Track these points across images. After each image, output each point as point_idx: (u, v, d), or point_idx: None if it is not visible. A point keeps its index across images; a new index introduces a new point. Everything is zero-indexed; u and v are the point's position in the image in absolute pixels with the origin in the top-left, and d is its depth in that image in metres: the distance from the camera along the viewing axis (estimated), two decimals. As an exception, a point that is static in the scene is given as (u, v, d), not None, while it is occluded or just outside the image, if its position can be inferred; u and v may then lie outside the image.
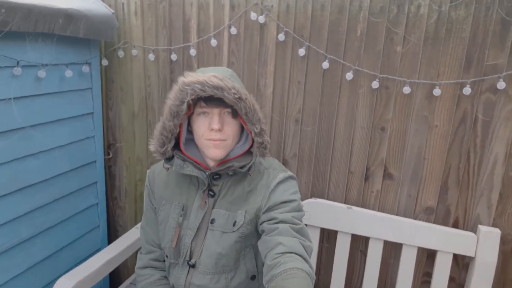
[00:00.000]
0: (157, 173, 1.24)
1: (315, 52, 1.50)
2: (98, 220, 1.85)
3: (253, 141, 1.11)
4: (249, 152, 1.14)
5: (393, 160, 1.51)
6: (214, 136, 1.06)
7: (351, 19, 1.44)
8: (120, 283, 1.87)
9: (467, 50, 1.34)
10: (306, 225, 1.57)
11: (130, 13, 1.74)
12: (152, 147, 1.11)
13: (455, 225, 1.49)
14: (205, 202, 1.14)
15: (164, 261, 1.25)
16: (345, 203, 1.59)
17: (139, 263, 1.27)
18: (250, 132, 1.09)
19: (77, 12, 1.43)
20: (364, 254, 1.62)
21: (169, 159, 1.13)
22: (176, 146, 1.13)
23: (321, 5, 1.46)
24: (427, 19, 1.36)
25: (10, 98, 1.30)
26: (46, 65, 1.41)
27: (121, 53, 1.76)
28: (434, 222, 1.50)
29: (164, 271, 1.26)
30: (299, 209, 1.12)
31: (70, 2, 1.41)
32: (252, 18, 1.54)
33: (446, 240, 1.43)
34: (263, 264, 1.02)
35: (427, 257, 1.56)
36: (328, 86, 1.52)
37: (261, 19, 1.53)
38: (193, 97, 1.01)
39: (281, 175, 1.14)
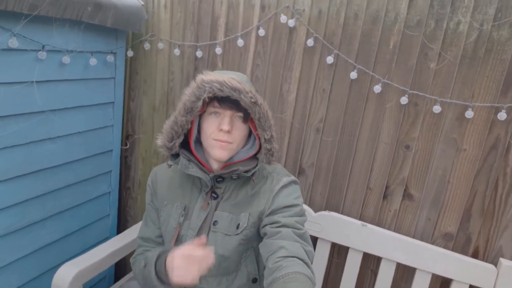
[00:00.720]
0: (159, 174, 1.24)
1: (343, 61, 1.45)
2: (109, 209, 1.85)
3: (260, 147, 1.11)
4: (254, 157, 1.14)
5: (415, 180, 1.45)
6: (221, 137, 1.06)
7: (385, 31, 1.38)
8: (125, 274, 1.87)
9: (507, 73, 1.26)
10: (317, 238, 1.53)
11: (160, 6, 1.72)
12: (159, 141, 1.11)
13: (475, 255, 1.41)
14: (208, 203, 1.14)
15: None
16: (360, 219, 1.53)
17: (132, 260, 1.24)
18: (259, 138, 1.09)
19: (107, 1, 1.42)
20: (375, 273, 1.56)
21: (174, 156, 1.13)
22: (183, 145, 1.12)
23: (354, 13, 1.41)
24: (466, 37, 1.29)
25: (32, 82, 1.30)
26: (71, 51, 1.41)
27: (147, 46, 1.74)
28: (452, 250, 1.43)
29: None
30: (302, 214, 1.12)
31: (101, -10, 1.41)
32: (282, 21, 1.50)
33: (464, 270, 1.36)
34: (264, 267, 1.02)
35: (440, 284, 1.49)
36: (354, 97, 1.47)
37: (291, 22, 1.49)
38: (210, 95, 1.01)
39: (284, 179, 1.14)
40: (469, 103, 1.31)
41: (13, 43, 1.20)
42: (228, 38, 1.62)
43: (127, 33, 1.70)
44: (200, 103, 1.02)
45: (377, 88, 1.41)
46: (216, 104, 1.05)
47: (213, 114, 1.08)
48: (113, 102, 1.71)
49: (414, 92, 1.37)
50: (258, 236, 1.14)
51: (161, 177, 1.23)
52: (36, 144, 1.38)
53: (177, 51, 1.71)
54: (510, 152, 1.31)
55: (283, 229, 1.03)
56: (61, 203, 1.55)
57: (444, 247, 1.44)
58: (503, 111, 1.27)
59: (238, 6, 1.58)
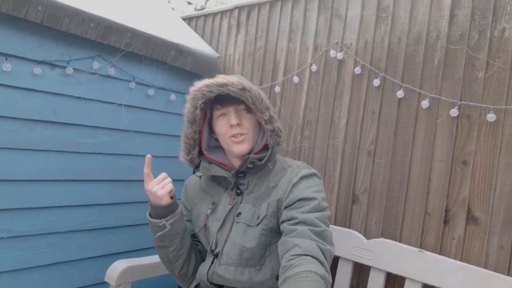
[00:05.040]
0: (191, 182, 1.36)
1: (390, 82, 1.49)
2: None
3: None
4: (267, 146, 1.18)
5: (478, 200, 1.29)
6: (235, 131, 1.12)
7: (428, 49, 1.42)
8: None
9: None
10: (370, 267, 1.40)
11: (235, 61, 2.04)
12: (180, 157, 1.23)
13: None
14: (234, 198, 1.19)
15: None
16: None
17: None
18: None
19: (187, 48, 1.77)
20: (444, 319, 1.31)
21: (198, 167, 1.23)
22: (201, 154, 1.22)
23: (397, 38, 1.50)
24: (513, 42, 1.25)
25: (121, 104, 1.64)
26: (156, 86, 1.75)
27: (221, 92, 2.04)
28: (536, 284, 1.16)
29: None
30: (322, 209, 1.07)
31: (182, 39, 1.78)
32: (332, 56, 1.65)
33: (552, 307, 1.08)
34: None
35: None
36: (403, 116, 1.46)
37: (340, 55, 1.63)
38: (204, 100, 1.11)
39: (305, 171, 1.14)
40: (528, 106, 1.21)
41: (111, 71, 1.57)
42: (286, 77, 1.82)
43: (203, 78, 2.03)
44: (198, 112, 1.12)
45: (425, 104, 1.39)
46: (218, 106, 1.15)
47: (220, 117, 1.16)
48: (187, 137, 1.97)
49: (464, 102, 1.32)
50: (279, 230, 1.13)
51: (192, 183, 1.35)
52: (118, 156, 1.66)
53: (244, 94, 1.95)
54: None
55: (299, 227, 1.02)
56: (132, 217, 1.75)
57: (525, 281, 1.18)
58: None
59: (295, 50, 1.80)
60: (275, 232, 1.14)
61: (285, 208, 1.10)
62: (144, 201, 1.79)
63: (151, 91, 1.73)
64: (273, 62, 1.88)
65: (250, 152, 1.18)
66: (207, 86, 1.09)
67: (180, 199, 1.36)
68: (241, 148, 1.15)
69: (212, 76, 1.96)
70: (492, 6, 1.29)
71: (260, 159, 1.15)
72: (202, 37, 2.19)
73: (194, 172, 1.30)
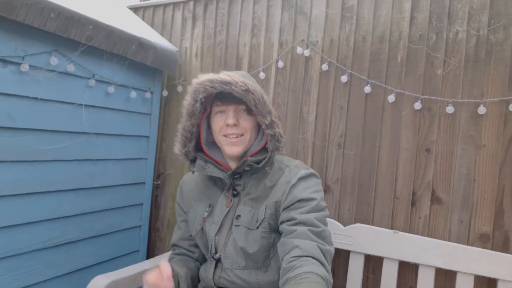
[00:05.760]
0: (186, 179, 1.32)
1: (357, 79, 1.60)
2: (139, 244, 1.88)
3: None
4: (265, 148, 1.16)
5: (441, 183, 1.46)
6: (230, 131, 1.10)
7: (392, 48, 1.55)
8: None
9: (510, 69, 1.37)
10: (349, 251, 1.50)
11: (192, 55, 1.97)
12: (175, 149, 1.18)
13: (517, 254, 1.35)
14: (230, 200, 1.16)
15: (187, 255, 1.27)
16: (391, 229, 1.52)
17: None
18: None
19: (148, 42, 1.66)
20: (415, 290, 1.49)
21: (193, 161, 1.19)
22: (199, 149, 1.19)
23: (362, 37, 1.60)
24: (466, 43, 1.43)
25: (82, 104, 1.48)
26: (116, 84, 1.61)
27: (180, 88, 1.96)
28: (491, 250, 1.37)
29: (190, 257, 1.27)
30: (321, 209, 1.08)
31: (142, 33, 1.66)
32: (298, 52, 1.70)
33: (507, 268, 1.29)
34: None
35: (487, 286, 1.40)
36: (371, 110, 1.58)
37: (307, 52, 1.68)
38: (205, 94, 1.07)
39: (303, 172, 1.13)
40: (479, 100, 1.40)
41: (70, 68, 1.41)
42: (251, 73, 1.82)
43: (163, 74, 1.93)
44: (198, 105, 1.08)
45: (391, 98, 1.52)
46: (218, 103, 1.11)
47: (218, 113, 1.13)
48: (148, 137, 1.86)
49: (426, 97, 1.47)
50: (279, 231, 1.13)
51: (188, 182, 1.30)
52: (79, 163, 1.51)
53: (205, 90, 1.90)
54: (530, 142, 1.35)
55: (298, 228, 1.02)
56: (96, 227, 1.61)
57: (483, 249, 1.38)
58: (514, 102, 1.35)
59: (259, 46, 1.81)
60: (276, 233, 1.13)
61: (283, 209, 1.09)
62: (107, 208, 1.66)
63: (111, 89, 1.59)
64: (236, 57, 1.86)
65: (244, 154, 1.15)
66: (211, 81, 1.05)
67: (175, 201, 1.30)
68: (234, 149, 1.12)
69: (171, 70, 1.88)
70: (447, 11, 1.46)
71: (258, 162, 1.12)
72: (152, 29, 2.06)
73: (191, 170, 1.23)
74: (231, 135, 1.12)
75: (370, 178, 1.58)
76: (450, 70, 1.45)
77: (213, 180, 1.23)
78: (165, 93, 1.97)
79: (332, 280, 0.96)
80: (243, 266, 1.12)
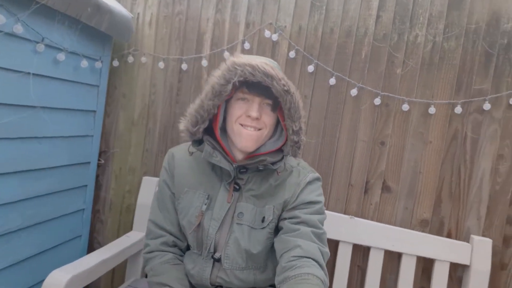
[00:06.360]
0: (177, 158, 1.17)
1: (323, 70, 1.64)
2: (82, 228, 1.72)
3: (286, 139, 1.07)
4: (279, 150, 1.10)
5: (391, 173, 1.61)
6: (249, 123, 1.03)
7: (357, 43, 1.61)
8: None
9: (458, 75, 1.54)
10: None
11: (145, 23, 1.80)
12: (182, 125, 1.05)
13: (449, 236, 1.57)
14: (232, 195, 1.10)
15: (174, 246, 1.19)
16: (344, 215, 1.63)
17: (146, 248, 1.18)
18: (286, 130, 1.05)
19: (105, 5, 1.47)
20: (362, 269, 1.64)
21: (196, 142, 1.08)
22: (207, 131, 1.07)
23: (330, 29, 1.63)
24: (423, 47, 1.56)
25: (29, 73, 1.26)
26: (66, 50, 1.40)
27: (130, 59, 1.78)
28: (429, 234, 1.58)
29: (175, 254, 1.18)
30: (323, 212, 1.11)
31: (100, -5, 1.46)
32: (266, 36, 1.67)
33: (443, 250, 1.50)
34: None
35: (422, 271, 1.61)
36: (333, 102, 1.64)
37: (274, 37, 1.66)
38: (241, 79, 0.97)
39: (311, 175, 1.13)
40: (431, 100, 1.55)
41: (18, 28, 1.18)
42: (214, 51, 1.74)
43: (112, 42, 1.73)
44: (229, 87, 0.97)
45: (354, 92, 1.60)
46: (245, 90, 1.02)
47: (241, 100, 1.03)
48: (95, 111, 1.68)
49: (385, 93, 1.59)
50: (278, 230, 1.12)
51: (180, 161, 1.16)
52: (24, 141, 1.30)
53: (161, 64, 1.77)
54: (467, 141, 1.55)
55: (302, 227, 1.01)
56: (39, 213, 1.43)
57: (422, 232, 1.58)
58: (459, 106, 1.53)
59: (224, 23, 1.73)
60: (276, 233, 1.12)
61: (288, 210, 1.09)
62: (53, 191, 1.48)
63: (61, 56, 1.38)
64: (198, 32, 1.76)
65: (255, 151, 1.08)
66: (253, 68, 0.95)
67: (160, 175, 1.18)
68: (249, 144, 1.04)
69: (125, 40, 1.70)
70: (410, 14, 1.57)
71: (273, 163, 1.05)
72: (97, -12, 1.82)
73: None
74: (249, 127, 1.04)
75: (328, 166, 1.66)
76: (408, 71, 1.58)
77: (211, 165, 1.13)
78: (115, 63, 1.78)
79: (328, 283, 0.98)
80: (243, 267, 1.11)
